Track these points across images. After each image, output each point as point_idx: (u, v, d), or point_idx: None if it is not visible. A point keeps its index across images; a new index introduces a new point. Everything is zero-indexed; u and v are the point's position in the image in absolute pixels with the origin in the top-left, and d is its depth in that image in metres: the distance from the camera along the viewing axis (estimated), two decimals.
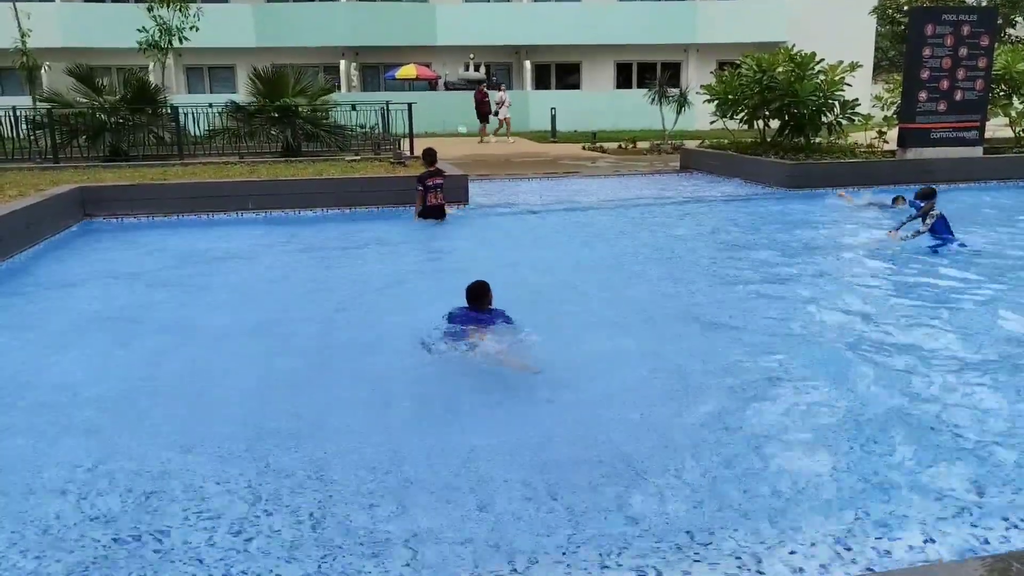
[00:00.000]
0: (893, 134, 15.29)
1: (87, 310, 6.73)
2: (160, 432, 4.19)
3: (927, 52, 13.79)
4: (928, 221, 8.45)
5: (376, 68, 30.01)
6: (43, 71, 22.15)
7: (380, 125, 16.73)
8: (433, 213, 10.52)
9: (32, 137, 14.90)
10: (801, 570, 2.92)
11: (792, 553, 3.02)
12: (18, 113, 14.89)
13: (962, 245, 8.44)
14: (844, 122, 14.95)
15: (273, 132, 15.45)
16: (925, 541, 3.10)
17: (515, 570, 2.95)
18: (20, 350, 5.65)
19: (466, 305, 5.52)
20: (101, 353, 5.58)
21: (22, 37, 17.87)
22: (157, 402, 4.65)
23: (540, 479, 3.60)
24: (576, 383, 4.84)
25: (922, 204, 8.58)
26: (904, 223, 8.82)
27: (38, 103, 15.55)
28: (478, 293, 5.48)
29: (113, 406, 4.58)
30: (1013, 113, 16.42)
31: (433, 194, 10.50)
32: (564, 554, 3.04)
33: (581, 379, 4.90)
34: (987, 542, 3.10)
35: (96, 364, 5.35)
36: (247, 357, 5.51)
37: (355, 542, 3.13)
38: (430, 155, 10.92)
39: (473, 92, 25.41)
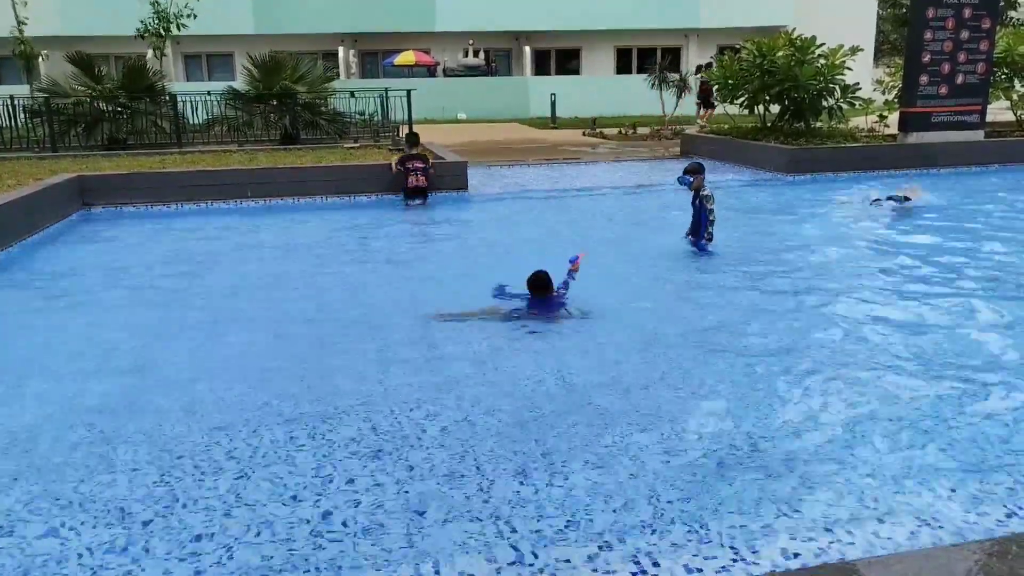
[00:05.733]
0: (894, 118, 15.23)
1: (85, 298, 6.75)
2: (161, 411, 4.21)
3: (928, 35, 13.71)
4: (709, 205, 7.71)
5: (375, 55, 29.90)
6: (40, 59, 22.05)
7: (379, 112, 16.67)
8: (414, 194, 11.20)
9: (30, 126, 14.86)
10: (797, 555, 2.92)
11: (790, 536, 3.03)
12: (16, 102, 14.85)
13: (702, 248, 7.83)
14: (845, 106, 14.87)
15: (272, 118, 15.41)
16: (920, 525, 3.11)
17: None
18: (21, 337, 5.67)
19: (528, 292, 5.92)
20: (98, 343, 5.58)
21: (19, 25, 17.80)
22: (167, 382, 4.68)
23: None
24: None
25: (691, 179, 7.79)
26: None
27: (36, 92, 15.51)
28: (538, 284, 5.85)
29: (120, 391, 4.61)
30: (1015, 96, 16.35)
31: (414, 176, 11.17)
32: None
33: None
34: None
35: (93, 354, 5.36)
36: (249, 340, 5.53)
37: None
38: (412, 139, 11.80)
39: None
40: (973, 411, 4.16)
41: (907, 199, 10.08)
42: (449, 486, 3.46)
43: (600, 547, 2.99)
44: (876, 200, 10.32)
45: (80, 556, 2.99)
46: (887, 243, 8.66)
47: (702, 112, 22.04)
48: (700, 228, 7.88)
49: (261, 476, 3.57)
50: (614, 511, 3.24)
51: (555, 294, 5.93)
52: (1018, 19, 27.51)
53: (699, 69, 22.96)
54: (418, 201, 11.16)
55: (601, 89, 28.57)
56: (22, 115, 14.85)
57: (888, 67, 19.61)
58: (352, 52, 29.15)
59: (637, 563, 2.87)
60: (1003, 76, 15.89)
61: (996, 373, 4.68)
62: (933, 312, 5.92)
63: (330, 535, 3.10)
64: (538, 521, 3.17)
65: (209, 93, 15.70)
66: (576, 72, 31.11)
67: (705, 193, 7.79)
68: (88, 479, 3.57)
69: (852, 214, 10.21)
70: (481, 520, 3.19)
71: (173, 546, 3.04)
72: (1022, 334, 5.39)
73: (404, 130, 15.70)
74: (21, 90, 17.19)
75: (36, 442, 3.97)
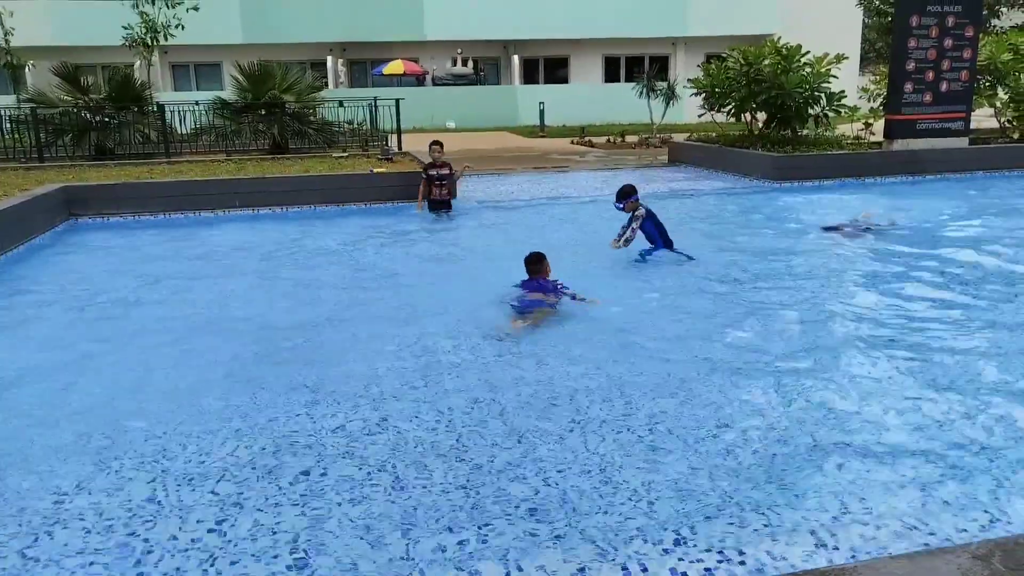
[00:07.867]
0: (879, 126, 15.35)
1: (72, 309, 6.71)
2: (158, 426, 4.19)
3: (912, 43, 13.84)
4: (634, 224, 7.86)
5: (363, 64, 29.94)
6: (27, 69, 21.99)
7: (368, 121, 16.68)
8: (435, 206, 11.08)
9: (16, 136, 14.79)
10: (784, 558, 2.94)
11: (775, 540, 3.04)
12: (2, 112, 14.77)
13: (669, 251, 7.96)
14: (831, 114, 14.99)
15: (260, 128, 15.39)
16: (911, 528, 3.13)
17: None
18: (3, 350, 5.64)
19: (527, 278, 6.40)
20: (84, 354, 5.55)
21: (5, 36, 17.75)
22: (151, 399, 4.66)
23: None
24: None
25: (621, 205, 7.94)
26: (621, 230, 8.09)
27: (22, 102, 15.43)
28: (530, 260, 6.42)
29: (104, 407, 4.58)
30: (998, 103, 16.51)
31: (437, 187, 11.04)
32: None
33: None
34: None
35: (82, 365, 5.32)
36: (238, 355, 5.50)
37: None
38: (431, 146, 11.33)
39: None
40: (963, 416, 4.20)
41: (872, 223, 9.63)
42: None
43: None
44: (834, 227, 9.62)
45: None
46: (842, 247, 8.73)
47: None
48: (655, 239, 8.01)
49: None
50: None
51: (550, 279, 6.30)
52: (1001, 27, 27.79)
53: None
54: (442, 212, 11.01)
55: (590, 97, 28.71)
56: (8, 125, 14.78)
57: (873, 75, 19.74)
58: (341, 61, 29.18)
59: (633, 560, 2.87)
60: (986, 83, 16.05)
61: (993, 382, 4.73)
62: (914, 315, 5.98)
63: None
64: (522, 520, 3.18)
65: (197, 103, 15.67)
66: (564, 80, 31.23)
67: (638, 212, 7.90)
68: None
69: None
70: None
71: None
72: (1012, 341, 5.44)
73: (393, 139, 15.76)
74: (7, 100, 17.13)
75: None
